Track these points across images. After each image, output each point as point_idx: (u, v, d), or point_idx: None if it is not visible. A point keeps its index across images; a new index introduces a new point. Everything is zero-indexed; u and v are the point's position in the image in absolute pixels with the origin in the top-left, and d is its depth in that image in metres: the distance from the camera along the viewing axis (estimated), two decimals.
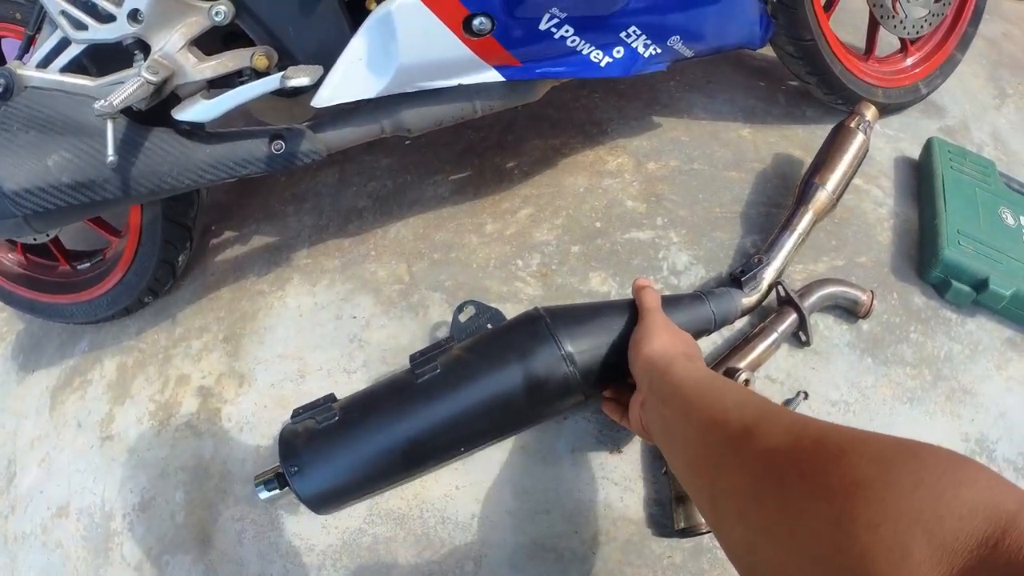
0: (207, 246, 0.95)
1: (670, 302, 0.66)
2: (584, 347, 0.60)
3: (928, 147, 0.94)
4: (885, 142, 0.97)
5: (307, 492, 0.60)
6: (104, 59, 0.71)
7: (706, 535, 0.67)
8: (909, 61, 1.00)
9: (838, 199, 0.80)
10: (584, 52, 0.69)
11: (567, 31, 0.67)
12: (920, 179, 0.94)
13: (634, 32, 0.70)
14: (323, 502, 0.61)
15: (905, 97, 0.98)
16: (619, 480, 0.70)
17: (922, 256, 0.86)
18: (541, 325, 0.61)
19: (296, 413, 0.64)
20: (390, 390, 0.63)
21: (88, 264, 0.93)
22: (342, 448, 0.60)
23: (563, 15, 0.65)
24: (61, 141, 0.71)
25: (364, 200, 0.92)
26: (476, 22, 0.64)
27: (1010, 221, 0.89)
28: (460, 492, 0.71)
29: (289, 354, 0.80)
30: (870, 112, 0.82)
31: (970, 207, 0.88)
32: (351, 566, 0.71)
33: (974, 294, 0.82)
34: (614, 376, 0.62)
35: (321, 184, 0.97)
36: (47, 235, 0.89)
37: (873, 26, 0.96)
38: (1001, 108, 1.13)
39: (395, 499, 0.72)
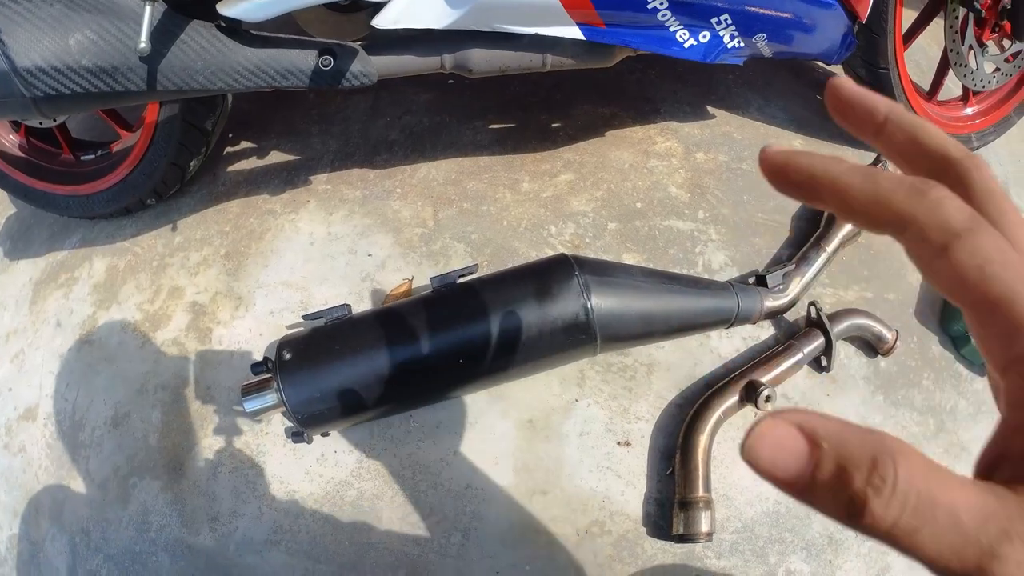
0: (221, 154, 0.88)
1: (698, 283, 0.66)
2: (609, 299, 0.60)
3: None
4: None
5: (295, 388, 0.57)
6: None
7: (700, 544, 0.66)
8: (969, 111, 1.00)
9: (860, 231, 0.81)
10: (672, 29, 0.66)
11: (661, 3, 0.63)
12: None
13: (725, 20, 0.67)
14: (310, 406, 0.58)
15: None
16: (623, 473, 0.67)
17: (945, 307, 0.86)
18: (571, 270, 0.60)
19: (307, 316, 0.62)
20: (407, 306, 0.62)
21: (93, 156, 0.85)
22: (343, 348, 0.58)
23: None
24: (88, 19, 0.65)
25: (396, 133, 0.87)
26: None
27: None
28: (457, 459, 0.68)
29: (294, 283, 0.75)
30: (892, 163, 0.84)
31: None
32: (331, 518, 0.68)
33: None
34: (632, 336, 0.63)
35: (352, 108, 0.91)
36: (54, 120, 0.81)
37: (942, 70, 0.96)
38: None
39: (387, 455, 0.69)
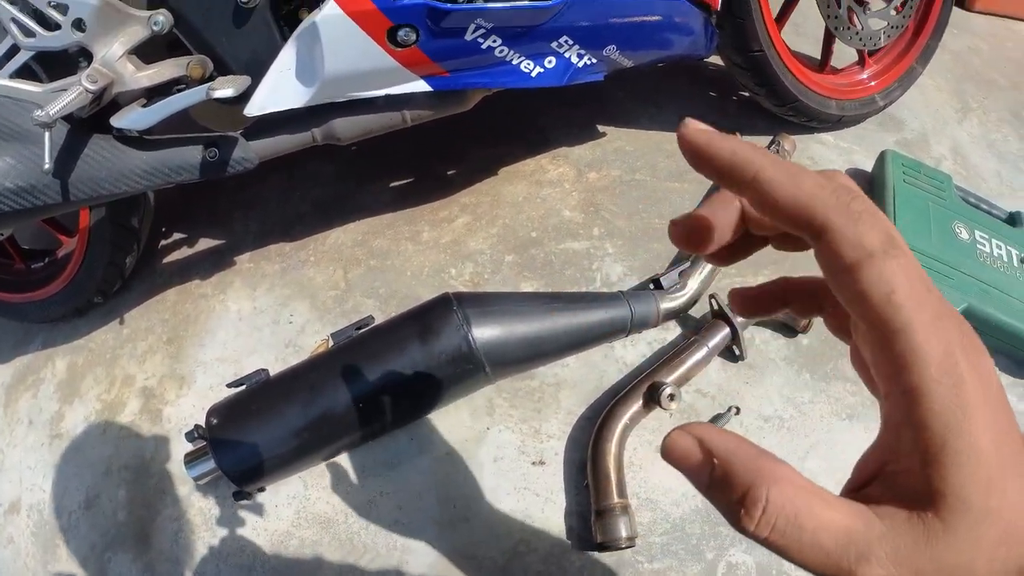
0: (156, 248, 0.96)
1: (584, 298, 0.68)
2: (491, 329, 0.63)
3: (881, 160, 0.93)
4: (838, 154, 0.96)
5: (224, 450, 0.62)
6: (52, 65, 0.73)
7: (626, 550, 0.67)
8: (866, 73, 0.99)
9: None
10: (514, 62, 0.69)
11: (495, 41, 0.67)
12: (872, 192, 0.93)
13: (566, 42, 0.70)
14: (240, 464, 0.63)
15: (861, 109, 0.97)
16: (541, 491, 0.70)
17: None
18: (450, 305, 0.64)
19: (230, 384, 0.68)
20: (312, 362, 0.67)
21: (42, 263, 0.94)
22: (261, 408, 0.63)
23: (489, 25, 0.66)
24: (7, 147, 0.73)
25: (307, 206, 0.94)
26: (400, 33, 0.65)
27: (964, 236, 0.88)
28: (384, 498, 0.72)
29: (227, 357, 0.82)
30: (787, 141, 0.87)
31: (922, 221, 0.87)
32: (279, 567, 0.72)
33: None
34: (522, 359, 0.65)
35: (268, 189, 0.99)
36: (1, 234, 0.90)
37: (829, 38, 0.95)
38: (963, 122, 1.12)
39: (322, 503, 0.73)
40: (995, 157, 1.08)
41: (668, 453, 0.20)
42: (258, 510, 0.75)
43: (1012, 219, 0.92)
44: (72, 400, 0.88)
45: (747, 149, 0.20)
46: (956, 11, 1.42)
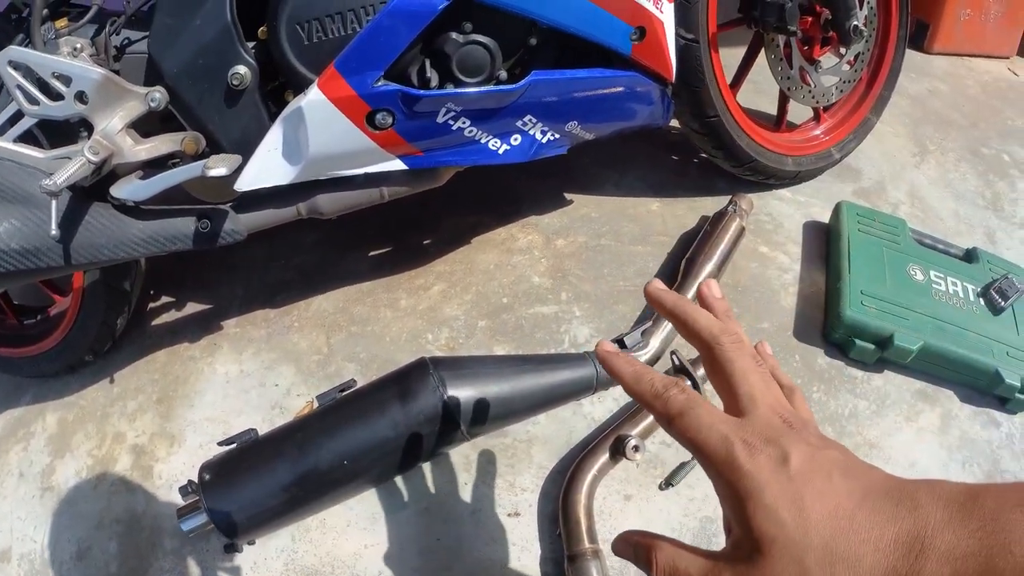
0: (146, 310, 1.00)
1: (552, 359, 0.72)
2: (465, 390, 0.67)
3: (836, 211, 0.99)
4: (795, 209, 1.02)
5: (216, 505, 0.65)
6: (54, 132, 0.77)
7: None
8: (821, 128, 1.05)
9: (720, 271, 0.87)
10: (482, 141, 0.74)
11: (464, 123, 0.72)
12: (828, 243, 0.98)
13: (530, 120, 0.75)
14: (231, 518, 0.66)
15: (817, 163, 1.03)
16: (517, 540, 0.74)
17: (826, 319, 0.91)
18: (426, 369, 0.68)
19: (221, 443, 0.71)
20: (299, 422, 0.70)
21: (35, 320, 0.98)
22: (250, 464, 0.67)
23: (459, 108, 0.71)
24: (11, 209, 0.76)
25: (290, 273, 0.98)
26: (378, 117, 0.70)
27: (919, 277, 0.92)
28: (368, 550, 0.75)
29: (216, 417, 0.85)
30: (744, 201, 0.92)
31: (876, 267, 0.92)
32: None
33: (880, 351, 0.86)
34: (494, 418, 0.69)
35: (252, 256, 1.03)
36: None
37: (783, 98, 1.01)
38: (920, 165, 1.18)
39: (309, 556, 0.77)
40: (952, 196, 1.14)
41: (613, 550, 0.38)
42: (248, 563, 0.78)
43: (968, 255, 0.97)
44: (63, 454, 0.91)
45: (618, 360, 0.40)
46: (915, 54, 1.50)
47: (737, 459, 0.28)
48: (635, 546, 0.34)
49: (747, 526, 0.28)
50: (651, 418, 0.77)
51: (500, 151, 0.75)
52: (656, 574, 0.32)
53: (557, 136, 0.78)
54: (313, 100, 0.68)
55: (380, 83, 0.68)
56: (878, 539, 0.25)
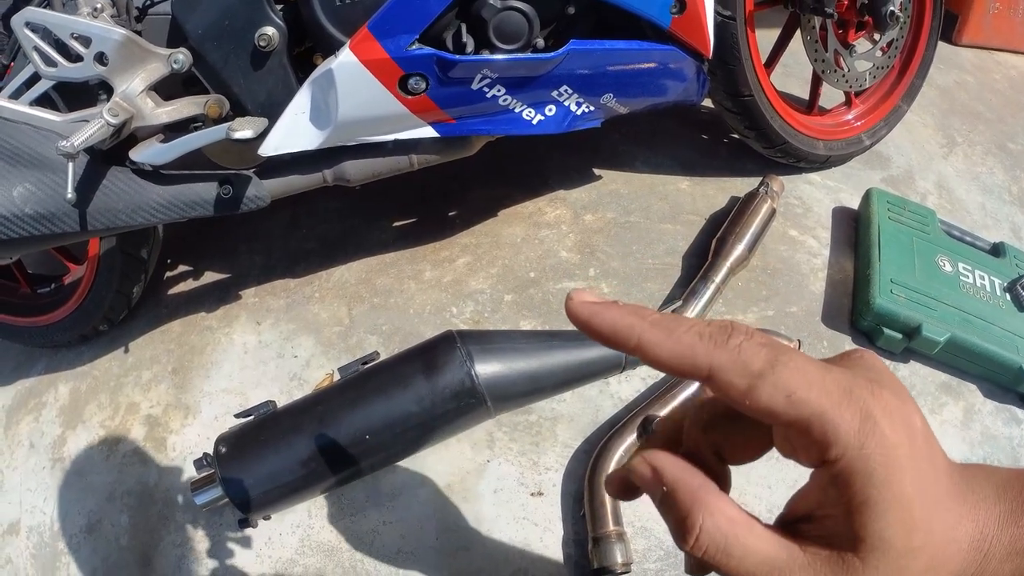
0: (162, 279, 0.98)
1: (580, 336, 0.71)
2: (492, 365, 0.65)
3: (867, 198, 0.97)
4: (825, 193, 1.00)
5: (232, 478, 0.63)
6: (72, 95, 0.74)
7: (621, 574, 0.69)
8: (853, 114, 1.03)
9: (750, 252, 0.85)
10: (516, 110, 0.72)
11: (499, 91, 0.70)
12: (858, 230, 0.97)
13: (566, 91, 0.73)
14: (247, 492, 0.64)
15: (847, 149, 1.02)
16: (539, 521, 0.72)
17: (854, 305, 0.89)
18: (453, 342, 0.66)
19: (238, 415, 0.69)
20: (319, 394, 0.68)
21: (48, 289, 0.96)
22: (269, 438, 0.65)
23: (494, 75, 0.69)
24: (27, 173, 0.74)
25: (312, 242, 0.96)
26: (411, 81, 0.68)
27: (948, 268, 0.91)
28: (387, 527, 0.74)
29: (233, 389, 0.83)
30: (775, 183, 0.90)
31: (906, 256, 0.90)
32: None
33: (907, 341, 0.84)
34: (521, 394, 0.67)
35: (273, 224, 1.01)
36: (9, 259, 0.92)
37: (816, 81, 1.00)
38: (948, 157, 1.16)
39: (325, 532, 0.75)
40: (979, 190, 1.13)
41: (631, 475, 0.25)
42: (262, 538, 0.76)
43: (995, 250, 0.96)
44: (75, 425, 0.89)
45: (627, 317, 0.23)
46: (943, 45, 1.47)
47: (877, 429, 0.20)
48: (671, 499, 0.23)
49: (869, 529, 0.20)
50: (680, 398, 0.75)
51: (534, 121, 0.73)
52: (691, 545, 0.22)
53: (592, 108, 0.76)
54: (344, 62, 0.66)
55: (415, 47, 0.66)
56: (960, 538, 0.22)
